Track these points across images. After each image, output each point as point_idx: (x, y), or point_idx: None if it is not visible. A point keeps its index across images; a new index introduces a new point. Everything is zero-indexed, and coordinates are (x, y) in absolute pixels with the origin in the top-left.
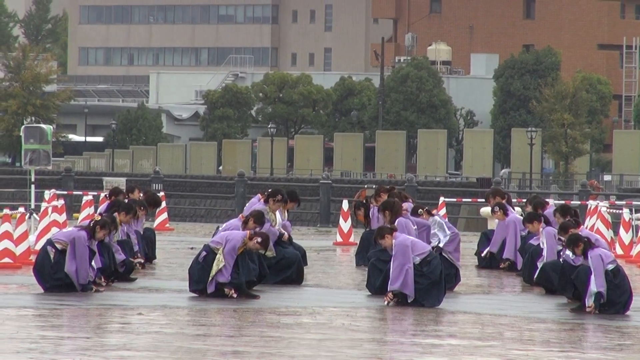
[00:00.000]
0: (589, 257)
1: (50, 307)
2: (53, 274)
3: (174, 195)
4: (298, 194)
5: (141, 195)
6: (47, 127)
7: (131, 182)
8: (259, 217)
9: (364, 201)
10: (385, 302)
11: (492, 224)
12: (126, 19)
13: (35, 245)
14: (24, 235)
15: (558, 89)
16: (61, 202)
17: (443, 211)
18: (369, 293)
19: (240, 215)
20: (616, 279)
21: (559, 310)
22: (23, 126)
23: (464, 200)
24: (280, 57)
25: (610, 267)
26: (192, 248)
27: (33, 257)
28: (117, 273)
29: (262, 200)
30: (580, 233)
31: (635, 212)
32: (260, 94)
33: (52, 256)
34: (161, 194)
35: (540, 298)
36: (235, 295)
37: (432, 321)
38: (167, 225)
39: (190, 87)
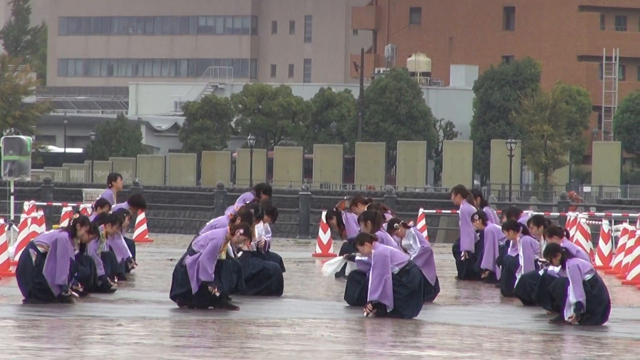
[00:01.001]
0: (567, 267)
1: (29, 318)
2: (34, 277)
3: (153, 206)
4: (276, 211)
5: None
6: (27, 139)
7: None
8: (247, 216)
9: (335, 209)
10: (365, 313)
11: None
12: (105, 30)
13: (14, 257)
14: (3, 247)
15: (538, 100)
16: (40, 213)
17: (422, 223)
18: (348, 304)
19: (229, 213)
20: (594, 289)
21: (537, 322)
22: (2, 137)
23: (443, 211)
24: (259, 68)
25: (588, 277)
26: (171, 259)
27: (12, 269)
28: (95, 286)
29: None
30: (560, 243)
31: (615, 224)
32: (240, 105)
33: (33, 259)
34: None
35: (519, 309)
36: (218, 294)
37: (412, 332)
38: (147, 236)
39: (169, 99)
